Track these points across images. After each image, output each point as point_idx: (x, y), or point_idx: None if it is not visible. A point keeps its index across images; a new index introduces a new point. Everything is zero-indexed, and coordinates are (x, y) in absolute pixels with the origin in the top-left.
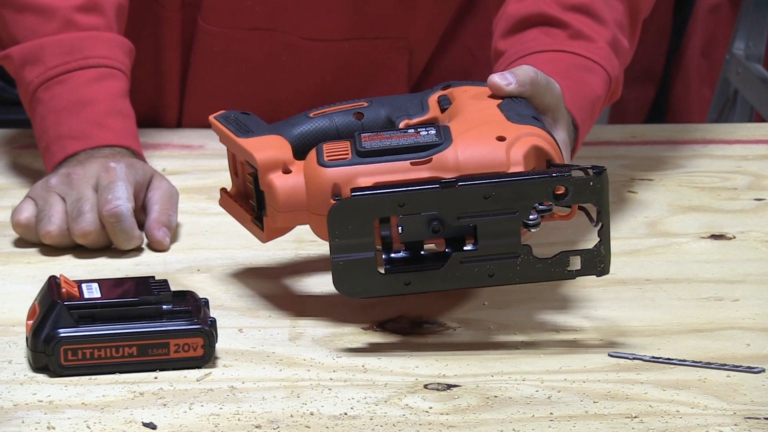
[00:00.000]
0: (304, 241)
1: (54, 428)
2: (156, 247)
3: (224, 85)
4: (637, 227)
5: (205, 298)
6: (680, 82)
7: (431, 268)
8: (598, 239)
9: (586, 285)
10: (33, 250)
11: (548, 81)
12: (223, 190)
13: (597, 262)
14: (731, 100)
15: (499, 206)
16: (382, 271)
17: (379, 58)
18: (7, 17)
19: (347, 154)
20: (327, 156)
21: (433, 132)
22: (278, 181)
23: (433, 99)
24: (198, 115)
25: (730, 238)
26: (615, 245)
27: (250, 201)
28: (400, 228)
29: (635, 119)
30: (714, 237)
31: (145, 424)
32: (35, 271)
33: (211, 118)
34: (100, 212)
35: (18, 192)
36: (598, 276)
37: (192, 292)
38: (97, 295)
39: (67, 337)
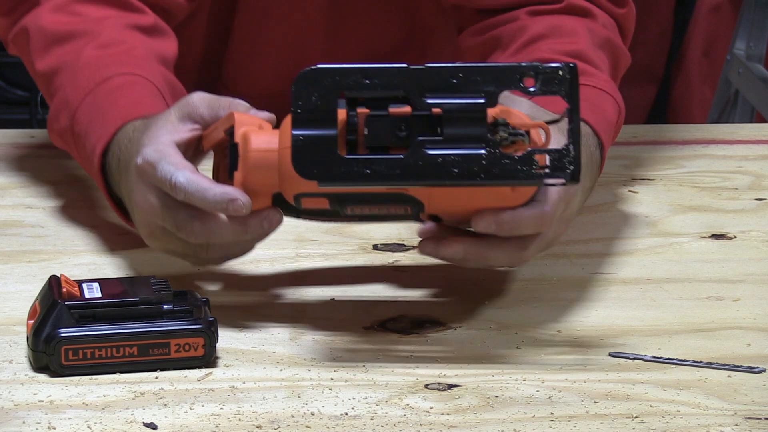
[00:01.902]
0: (304, 241)
1: (55, 428)
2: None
3: None
4: (637, 227)
5: (206, 298)
6: (681, 82)
7: (394, 155)
8: (568, 138)
9: (588, 285)
10: (34, 250)
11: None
12: None
13: (566, 163)
14: (732, 100)
15: (466, 91)
16: (344, 155)
17: None
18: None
19: None
20: None
21: None
22: (252, 131)
23: None
24: None
25: (730, 238)
26: (616, 245)
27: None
28: (366, 131)
29: (636, 119)
30: (715, 237)
31: (145, 424)
32: (36, 270)
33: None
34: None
35: (18, 192)
36: (568, 181)
37: (192, 291)
38: (98, 294)
39: (68, 336)
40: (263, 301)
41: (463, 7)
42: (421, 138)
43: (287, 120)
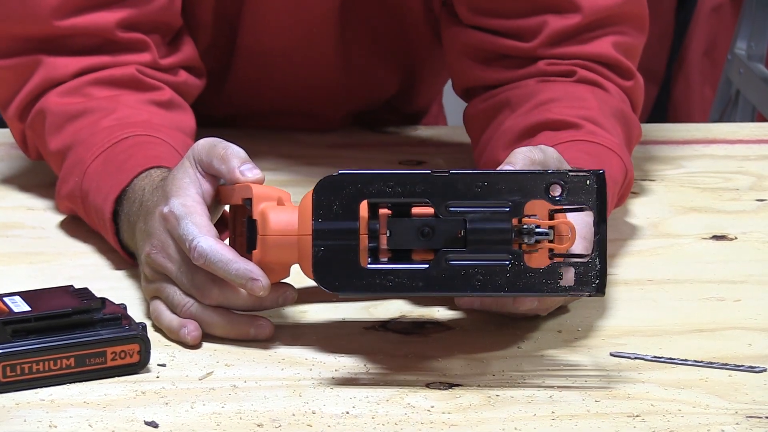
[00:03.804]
0: None
1: (56, 427)
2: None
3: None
4: (639, 228)
5: (123, 303)
6: (682, 81)
7: (417, 265)
8: (595, 250)
9: None
10: (35, 251)
11: (541, 150)
12: None
13: (591, 277)
14: (733, 100)
15: (490, 199)
16: (365, 265)
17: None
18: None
19: None
20: None
21: None
22: (272, 208)
23: None
24: None
25: (731, 239)
26: (618, 246)
27: (243, 251)
28: (388, 232)
29: None
30: (716, 238)
31: (147, 423)
32: (37, 271)
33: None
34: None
35: (19, 194)
36: (591, 295)
37: (106, 298)
38: (27, 308)
39: (4, 353)
40: None
41: (474, 87)
42: (444, 249)
43: (307, 200)
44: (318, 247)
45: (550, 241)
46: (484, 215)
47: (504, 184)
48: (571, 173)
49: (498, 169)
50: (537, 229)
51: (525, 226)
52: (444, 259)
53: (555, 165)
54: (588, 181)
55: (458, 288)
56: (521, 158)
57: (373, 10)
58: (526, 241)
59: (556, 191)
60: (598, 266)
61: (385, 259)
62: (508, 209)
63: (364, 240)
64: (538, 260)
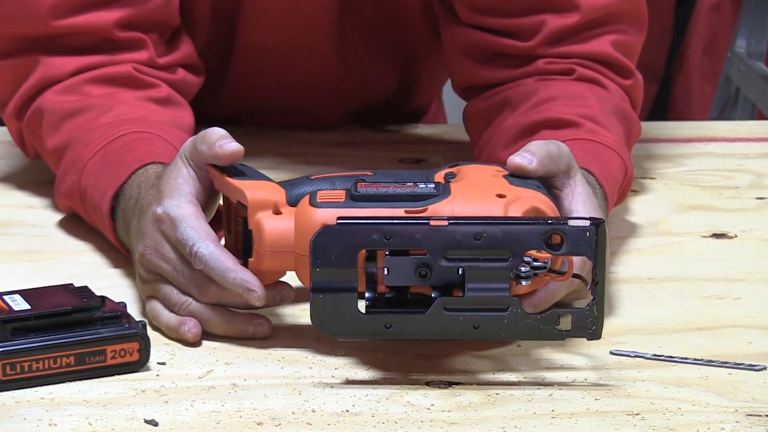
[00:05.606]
0: None
1: (56, 425)
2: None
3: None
4: (639, 226)
5: (123, 302)
6: (682, 79)
7: (414, 313)
8: (592, 298)
9: None
10: (35, 249)
11: (557, 145)
12: None
13: (588, 323)
14: (733, 97)
15: (489, 250)
16: (363, 311)
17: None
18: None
19: (341, 198)
20: (320, 198)
21: (432, 186)
22: (267, 219)
23: (440, 174)
24: None
25: (731, 237)
26: (618, 244)
27: (239, 246)
28: (386, 270)
29: None
30: (716, 236)
31: (146, 421)
32: (37, 269)
33: (208, 164)
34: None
35: (19, 192)
36: (588, 339)
37: (106, 297)
38: (27, 306)
39: (4, 351)
40: None
41: (473, 86)
42: (442, 298)
43: (304, 212)
44: (317, 295)
45: (548, 272)
46: (482, 267)
47: (503, 234)
48: (571, 224)
49: (516, 155)
50: (535, 263)
51: (523, 270)
52: (442, 308)
53: (566, 163)
54: (588, 233)
55: (456, 333)
56: (537, 149)
57: (371, 7)
58: (524, 284)
59: (557, 239)
60: (596, 313)
61: (383, 304)
62: (507, 260)
63: (362, 286)
64: (534, 286)
